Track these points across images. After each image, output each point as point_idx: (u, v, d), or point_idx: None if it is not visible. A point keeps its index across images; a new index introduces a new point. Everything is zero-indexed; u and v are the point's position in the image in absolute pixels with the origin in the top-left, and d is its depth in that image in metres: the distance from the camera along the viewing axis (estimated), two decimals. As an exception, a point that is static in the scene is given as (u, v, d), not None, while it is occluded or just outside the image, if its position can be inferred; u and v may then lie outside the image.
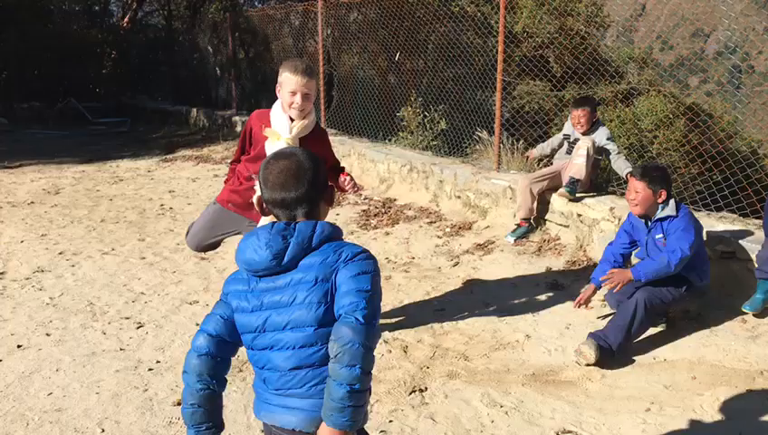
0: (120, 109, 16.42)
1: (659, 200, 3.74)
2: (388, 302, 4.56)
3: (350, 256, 1.73)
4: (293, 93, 3.21)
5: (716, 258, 4.25)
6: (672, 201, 3.75)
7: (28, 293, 4.82)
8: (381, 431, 3.06)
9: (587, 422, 3.09)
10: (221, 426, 1.85)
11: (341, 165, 3.88)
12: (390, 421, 3.14)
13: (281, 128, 3.34)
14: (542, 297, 4.52)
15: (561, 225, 5.34)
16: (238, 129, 11.71)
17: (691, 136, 6.61)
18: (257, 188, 1.95)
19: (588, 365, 3.54)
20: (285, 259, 1.72)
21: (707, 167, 5.90)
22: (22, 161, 10.24)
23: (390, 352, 3.86)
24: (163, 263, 5.43)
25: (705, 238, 4.03)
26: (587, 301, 3.88)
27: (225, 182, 3.84)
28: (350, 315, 1.64)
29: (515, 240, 5.40)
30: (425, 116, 8.02)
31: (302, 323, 1.71)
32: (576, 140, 5.40)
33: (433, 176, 6.73)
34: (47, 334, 4.11)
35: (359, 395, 1.62)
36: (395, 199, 7.03)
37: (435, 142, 7.88)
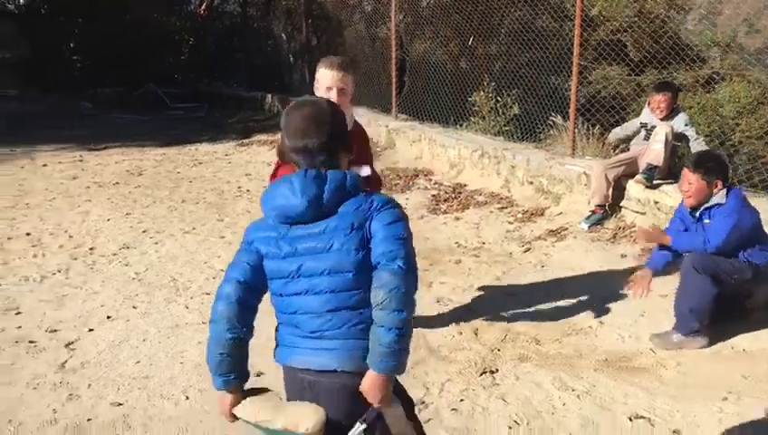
0: (196, 95, 16.88)
1: (714, 190, 3.63)
2: (459, 285, 4.60)
3: (381, 204, 1.78)
4: (329, 89, 3.08)
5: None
6: (724, 190, 3.62)
7: (115, 268, 5.08)
8: (453, 409, 3.12)
9: (660, 409, 3.06)
10: (247, 375, 1.87)
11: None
12: (461, 400, 3.20)
13: None
14: (617, 284, 4.46)
15: (636, 212, 5.24)
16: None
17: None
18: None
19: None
20: (321, 205, 1.76)
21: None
22: (107, 144, 10.69)
23: (461, 333, 3.90)
24: (240, 242, 5.61)
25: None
26: (645, 288, 3.77)
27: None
28: (392, 263, 1.69)
29: (589, 227, 5.33)
30: (497, 101, 7.96)
31: (341, 269, 1.74)
32: (654, 126, 5.28)
33: (505, 161, 6.70)
34: (134, 307, 4.34)
35: (405, 339, 1.70)
36: (465, 185, 7.03)
37: (507, 128, 7.81)
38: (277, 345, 1.89)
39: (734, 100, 6.91)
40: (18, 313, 4.28)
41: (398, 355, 1.69)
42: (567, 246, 5.20)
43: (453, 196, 6.71)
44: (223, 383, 1.82)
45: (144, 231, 5.99)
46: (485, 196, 6.57)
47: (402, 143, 8.66)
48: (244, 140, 10.85)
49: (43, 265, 5.12)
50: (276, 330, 1.90)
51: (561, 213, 5.78)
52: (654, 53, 6.87)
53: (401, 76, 9.34)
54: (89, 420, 3.09)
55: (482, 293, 4.48)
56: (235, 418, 1.85)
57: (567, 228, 5.47)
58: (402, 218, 1.78)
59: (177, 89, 17.45)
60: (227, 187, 7.73)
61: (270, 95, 13.86)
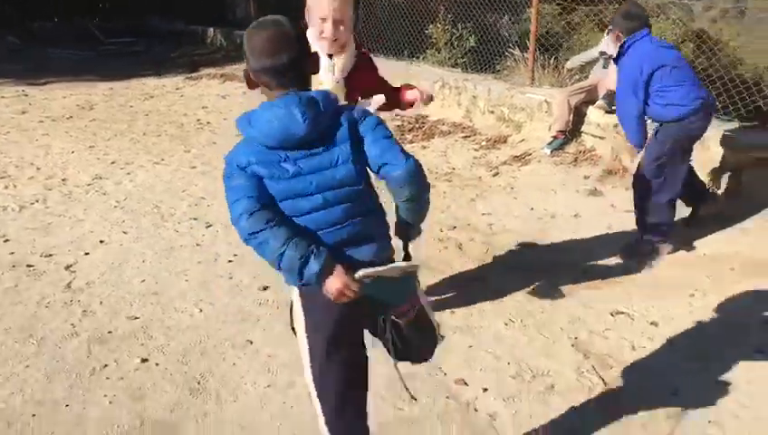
0: (131, 29, 16.29)
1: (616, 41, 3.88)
2: (436, 207, 4.83)
3: (361, 113, 1.89)
4: (324, 20, 2.51)
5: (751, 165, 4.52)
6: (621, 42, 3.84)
7: (93, 197, 5.09)
8: (452, 311, 3.39)
9: (637, 305, 3.42)
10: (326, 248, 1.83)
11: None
12: (458, 305, 3.47)
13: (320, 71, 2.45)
14: (582, 202, 4.81)
15: (596, 136, 5.57)
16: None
17: (698, 62, 6.70)
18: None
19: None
20: (320, 128, 1.80)
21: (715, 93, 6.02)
22: (47, 79, 10.32)
23: (447, 248, 4.17)
24: (214, 172, 5.66)
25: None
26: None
27: None
28: (397, 160, 1.83)
29: (552, 152, 5.64)
30: (453, 34, 8.12)
31: (351, 181, 1.82)
32: (612, 56, 5.55)
33: (466, 92, 6.91)
34: (124, 232, 4.41)
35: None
36: (427, 116, 7.21)
37: (463, 60, 8.00)
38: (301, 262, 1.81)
39: (661, 37, 7.26)
40: (6, 240, 4.29)
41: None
42: (532, 170, 5.51)
43: (417, 126, 6.90)
44: (321, 261, 1.78)
45: (113, 162, 5.97)
46: (448, 126, 6.79)
47: (359, 76, 8.72)
48: (193, 74, 10.66)
49: (18, 196, 5.08)
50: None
51: (523, 140, 6.07)
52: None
53: (355, 10, 9.33)
54: (109, 332, 3.22)
55: (459, 213, 4.73)
56: (357, 284, 1.83)
57: (531, 154, 5.76)
58: (381, 121, 1.92)
59: (109, 23, 16.80)
60: (185, 119, 7.68)
61: (212, 29, 13.56)
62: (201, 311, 3.41)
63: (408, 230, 2.02)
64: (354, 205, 1.85)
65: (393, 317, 2.00)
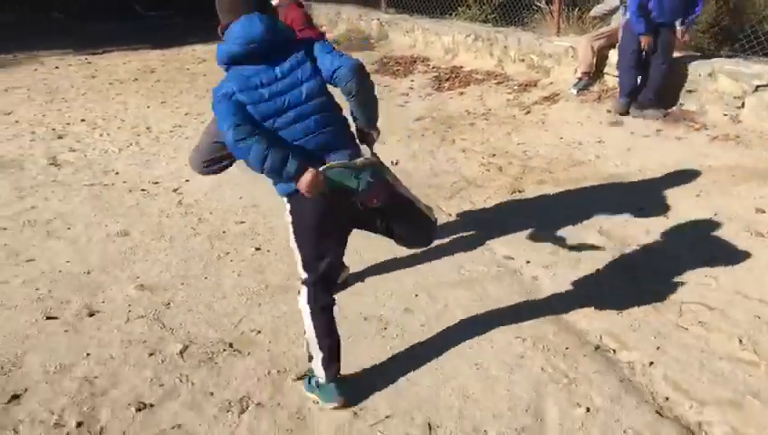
0: (165, 1, 16.99)
1: None
2: (476, 140, 5.56)
3: (313, 40, 2.38)
4: None
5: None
6: None
7: (178, 140, 5.89)
8: (495, 214, 4.13)
9: (655, 202, 4.13)
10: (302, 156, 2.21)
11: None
12: (501, 208, 4.21)
13: None
14: (605, 131, 5.49)
15: (617, 76, 6.21)
16: (296, 13, 12.42)
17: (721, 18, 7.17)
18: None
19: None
20: (276, 33, 2.24)
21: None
22: (104, 48, 11.12)
23: (489, 170, 4.89)
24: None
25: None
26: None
27: None
28: (343, 62, 2.24)
29: (578, 91, 6.30)
30: (483, -9, 8.75)
31: (315, 93, 2.24)
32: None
33: (497, 43, 7.56)
34: (213, 165, 5.20)
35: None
36: (461, 67, 7.89)
37: (493, 16, 8.64)
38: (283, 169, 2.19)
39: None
40: (117, 172, 5.11)
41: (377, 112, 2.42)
42: (560, 107, 6.18)
43: (452, 76, 7.58)
44: (297, 165, 2.16)
45: (186, 114, 6.76)
46: (482, 74, 7.46)
47: (395, 34, 9.41)
48: (238, 40, 11.38)
49: (114, 141, 5.90)
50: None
51: (551, 83, 6.73)
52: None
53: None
54: (223, 232, 4.03)
55: (498, 144, 5.45)
56: (322, 175, 2.20)
57: (558, 94, 6.43)
58: (324, 42, 2.37)
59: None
60: (241, 79, 8.42)
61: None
62: (293, 217, 4.20)
63: (367, 131, 2.40)
64: (322, 116, 2.25)
65: (360, 204, 2.35)
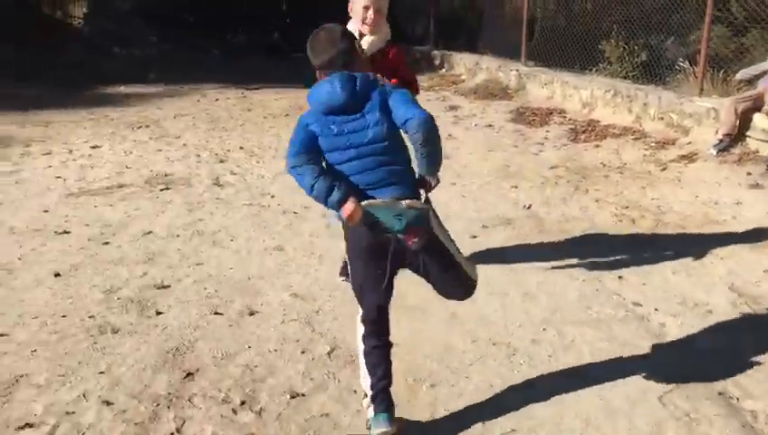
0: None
1: None
2: (610, 192, 5.68)
3: (390, 87, 2.47)
4: (366, 8, 3.26)
5: None
6: None
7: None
8: (626, 264, 4.26)
9: (789, 266, 4.12)
10: (350, 189, 2.37)
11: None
12: (633, 259, 4.34)
13: None
14: (744, 193, 5.45)
15: (761, 140, 6.14)
16: (437, 62, 12.99)
17: None
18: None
19: None
20: (355, 96, 2.38)
21: None
22: (258, 85, 12.10)
23: (621, 221, 5.02)
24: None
25: None
26: None
27: None
28: (414, 113, 2.35)
29: (718, 152, 6.28)
30: (624, 49, 8.86)
31: (380, 138, 2.39)
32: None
33: (637, 100, 7.65)
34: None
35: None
36: (598, 121, 8.02)
37: (633, 73, 8.72)
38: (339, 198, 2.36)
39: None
40: (272, 196, 5.66)
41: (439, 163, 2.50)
42: (698, 167, 6.19)
43: (589, 129, 7.73)
44: (340, 194, 2.34)
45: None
46: (619, 129, 7.55)
47: (533, 85, 9.68)
48: (380, 84, 12.05)
49: (269, 169, 6.50)
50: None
51: (690, 142, 6.73)
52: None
53: (531, 27, 10.30)
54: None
55: (631, 197, 5.55)
56: (360, 213, 2.34)
57: (697, 153, 6.43)
58: (405, 92, 2.47)
59: (292, 36, 18.81)
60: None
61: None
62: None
63: (427, 179, 2.50)
64: (382, 158, 2.41)
65: (398, 241, 2.45)
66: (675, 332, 3.43)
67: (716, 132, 6.44)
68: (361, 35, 3.27)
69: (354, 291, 2.64)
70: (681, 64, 7.84)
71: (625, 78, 8.69)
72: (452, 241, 2.64)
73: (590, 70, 9.20)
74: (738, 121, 6.31)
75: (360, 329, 2.65)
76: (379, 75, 2.58)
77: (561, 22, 9.84)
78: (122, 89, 11.25)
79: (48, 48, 13.83)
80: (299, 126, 2.45)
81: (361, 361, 2.64)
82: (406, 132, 2.42)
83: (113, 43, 16.07)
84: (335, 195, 2.34)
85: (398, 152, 2.45)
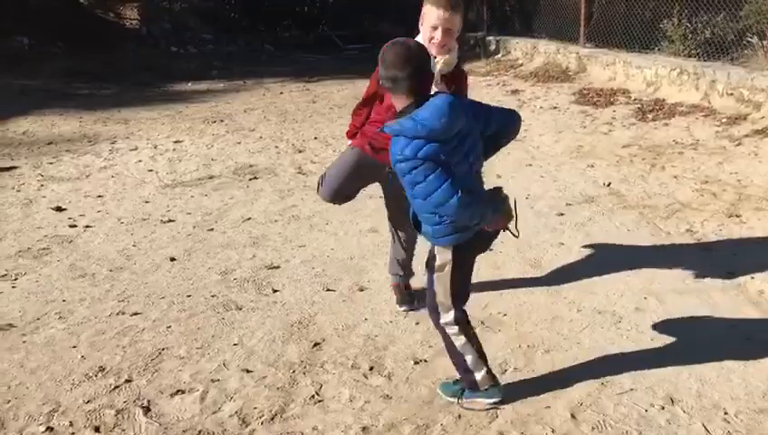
0: (363, 36, 18.36)
1: None
2: (687, 168, 5.76)
3: (477, 104, 2.62)
4: (435, 28, 2.95)
5: None
6: None
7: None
8: (714, 233, 4.36)
9: None
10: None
11: None
12: (720, 230, 4.43)
13: None
14: (826, 165, 5.48)
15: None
16: (492, 47, 13.07)
17: None
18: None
19: None
20: (460, 125, 2.41)
21: None
22: (317, 77, 12.37)
23: (702, 195, 5.10)
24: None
25: None
26: None
27: (351, 126, 3.54)
28: (512, 118, 2.65)
29: (793, 125, 6.29)
30: (687, 27, 8.83)
31: (480, 151, 2.55)
32: None
33: (704, 77, 7.64)
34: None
35: None
36: (664, 99, 8.04)
37: (696, 51, 8.69)
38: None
39: None
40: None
41: None
42: (774, 141, 6.21)
43: (656, 108, 7.76)
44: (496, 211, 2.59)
45: (404, 135, 7.49)
46: (687, 107, 7.57)
47: (594, 67, 9.71)
48: (437, 72, 12.19)
49: (346, 156, 6.71)
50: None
51: (763, 117, 6.72)
52: None
53: (590, 7, 10.32)
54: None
55: (709, 171, 5.61)
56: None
57: (772, 128, 6.44)
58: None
59: (345, 31, 19.06)
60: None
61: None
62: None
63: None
64: (478, 165, 2.61)
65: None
66: (772, 298, 3.54)
67: (791, 106, 6.44)
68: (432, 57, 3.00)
69: (454, 297, 2.72)
70: (750, 40, 7.80)
71: (689, 57, 8.67)
72: None
73: (652, 50, 9.19)
74: (814, 94, 6.29)
75: (457, 324, 2.72)
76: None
77: (621, 5, 9.82)
78: (189, 86, 11.62)
79: (106, 49, 14.36)
80: (420, 162, 2.40)
81: (468, 348, 2.73)
82: (499, 131, 2.63)
83: (171, 43, 16.53)
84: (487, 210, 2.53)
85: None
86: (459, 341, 2.75)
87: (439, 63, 2.98)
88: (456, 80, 3.13)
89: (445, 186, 2.36)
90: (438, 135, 2.34)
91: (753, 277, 3.76)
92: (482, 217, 2.49)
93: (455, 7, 2.94)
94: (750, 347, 3.08)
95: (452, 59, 3.06)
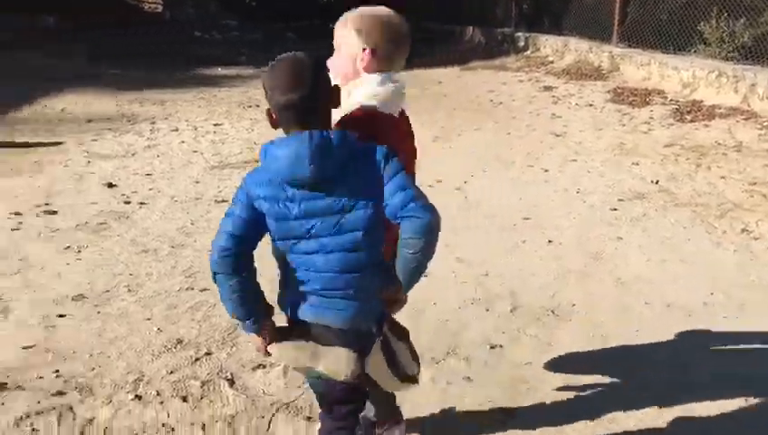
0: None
1: None
2: (732, 168, 5.77)
3: (383, 155, 1.72)
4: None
5: None
6: None
7: (451, 147, 6.61)
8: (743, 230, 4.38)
9: None
10: (272, 310, 1.88)
11: None
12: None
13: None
14: None
15: None
16: (521, 44, 13.06)
17: None
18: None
19: None
20: (327, 171, 1.68)
21: None
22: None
23: (753, 196, 5.11)
24: (531, 135, 7.01)
25: None
26: None
27: None
28: (421, 213, 1.66)
29: (838, 131, 6.29)
30: (724, 30, 8.82)
31: (355, 228, 1.71)
32: None
33: (744, 80, 7.64)
34: (483, 171, 5.85)
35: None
36: (701, 101, 8.03)
37: (733, 54, 8.68)
38: (283, 296, 1.88)
39: None
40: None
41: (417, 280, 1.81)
42: (820, 147, 6.22)
43: (694, 109, 7.76)
44: (254, 328, 1.85)
45: (442, 127, 7.52)
46: (725, 109, 7.56)
47: (627, 67, 9.71)
48: (465, 65, 12.23)
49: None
50: (281, 281, 1.89)
51: (807, 122, 6.75)
52: None
53: (624, 8, 10.31)
54: (513, 225, 4.61)
55: (755, 174, 5.62)
56: (268, 354, 1.91)
57: (816, 133, 6.45)
58: (403, 167, 1.73)
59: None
60: (479, 99, 9.14)
61: (471, 27, 15.10)
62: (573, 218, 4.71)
63: (399, 296, 1.86)
64: (352, 255, 1.75)
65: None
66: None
67: (835, 112, 6.44)
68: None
69: None
70: (790, 44, 7.80)
71: (726, 59, 8.66)
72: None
73: (688, 51, 9.18)
74: None
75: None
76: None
77: (660, 6, 9.81)
78: (220, 70, 11.65)
79: (131, 32, 14.41)
80: (240, 197, 1.79)
81: None
82: (399, 224, 1.70)
83: (195, 28, 16.58)
84: (247, 325, 1.87)
85: (374, 248, 1.79)
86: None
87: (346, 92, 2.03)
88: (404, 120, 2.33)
89: (226, 229, 1.82)
90: (268, 174, 1.76)
91: (816, 277, 3.79)
92: (239, 322, 1.93)
93: (344, 20, 2.08)
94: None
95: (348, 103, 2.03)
